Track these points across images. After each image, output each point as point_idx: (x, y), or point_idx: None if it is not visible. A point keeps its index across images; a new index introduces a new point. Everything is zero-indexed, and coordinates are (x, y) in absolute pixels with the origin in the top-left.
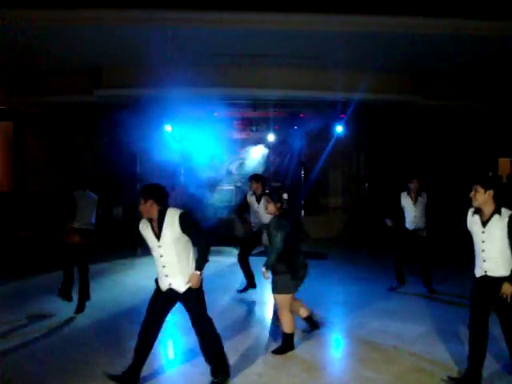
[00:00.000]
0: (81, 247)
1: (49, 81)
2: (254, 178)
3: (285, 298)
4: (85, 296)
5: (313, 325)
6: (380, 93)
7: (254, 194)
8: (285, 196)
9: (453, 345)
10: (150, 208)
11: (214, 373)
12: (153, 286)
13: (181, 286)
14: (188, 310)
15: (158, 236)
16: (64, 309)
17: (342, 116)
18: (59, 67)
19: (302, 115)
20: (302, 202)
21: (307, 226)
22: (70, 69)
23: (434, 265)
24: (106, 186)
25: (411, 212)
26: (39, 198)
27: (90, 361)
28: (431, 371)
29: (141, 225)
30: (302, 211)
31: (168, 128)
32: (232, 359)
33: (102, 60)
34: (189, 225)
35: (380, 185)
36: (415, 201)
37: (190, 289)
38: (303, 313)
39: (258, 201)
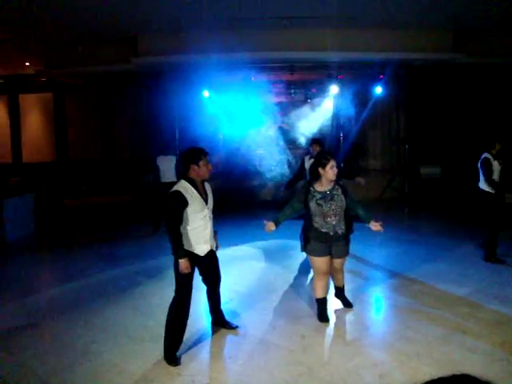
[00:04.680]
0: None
1: (86, 51)
2: (317, 141)
3: (313, 260)
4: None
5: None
6: (420, 51)
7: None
8: None
9: (496, 306)
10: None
11: None
12: None
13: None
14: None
15: (205, 200)
16: None
17: (381, 77)
18: (96, 37)
19: (340, 77)
20: (341, 165)
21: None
22: (107, 38)
23: None
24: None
25: None
26: (81, 167)
27: None
28: (477, 332)
29: (182, 190)
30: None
31: (206, 94)
32: (275, 321)
33: (139, 28)
34: None
35: (420, 146)
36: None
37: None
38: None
39: None
